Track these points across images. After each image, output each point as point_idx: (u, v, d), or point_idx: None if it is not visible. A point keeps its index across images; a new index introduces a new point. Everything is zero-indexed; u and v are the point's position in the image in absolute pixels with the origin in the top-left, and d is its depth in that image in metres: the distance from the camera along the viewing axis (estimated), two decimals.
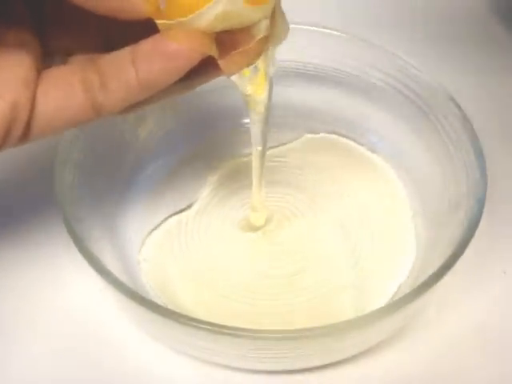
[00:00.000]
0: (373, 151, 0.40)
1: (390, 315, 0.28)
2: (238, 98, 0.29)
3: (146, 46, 0.23)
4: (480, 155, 0.33)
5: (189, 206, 0.38)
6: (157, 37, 0.23)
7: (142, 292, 0.31)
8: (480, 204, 0.31)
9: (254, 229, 0.37)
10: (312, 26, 0.38)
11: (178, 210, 0.37)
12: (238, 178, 0.39)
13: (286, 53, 0.30)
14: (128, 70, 0.23)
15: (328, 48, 0.38)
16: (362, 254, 0.36)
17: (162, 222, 0.37)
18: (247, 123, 0.40)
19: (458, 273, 0.29)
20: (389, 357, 0.32)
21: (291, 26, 0.25)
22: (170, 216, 0.37)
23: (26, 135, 0.24)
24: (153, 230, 0.36)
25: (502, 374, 0.32)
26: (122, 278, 0.29)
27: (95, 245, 0.30)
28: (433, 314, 0.34)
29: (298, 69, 0.39)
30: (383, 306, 0.28)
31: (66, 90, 0.24)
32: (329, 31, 0.38)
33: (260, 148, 0.31)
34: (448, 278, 0.29)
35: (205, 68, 0.24)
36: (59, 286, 0.35)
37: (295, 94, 0.40)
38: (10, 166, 0.39)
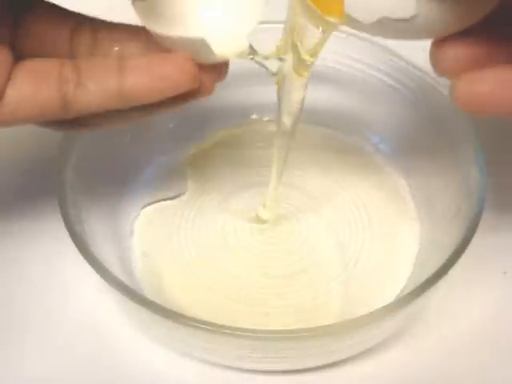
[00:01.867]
0: (375, 152, 0.40)
1: (390, 315, 0.28)
2: (239, 98, 0.29)
3: (141, 60, 0.24)
4: (480, 155, 0.33)
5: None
6: (153, 56, 0.24)
7: (139, 291, 0.31)
8: (480, 204, 0.31)
9: (261, 222, 0.37)
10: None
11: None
12: (238, 174, 0.39)
13: None
14: (111, 75, 0.24)
15: (328, 48, 0.38)
16: (363, 254, 0.36)
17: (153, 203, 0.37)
18: (247, 122, 0.41)
19: (458, 273, 0.29)
20: (389, 357, 0.32)
21: None
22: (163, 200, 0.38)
23: None
24: (144, 206, 0.37)
25: (503, 374, 0.32)
26: (121, 277, 0.29)
27: (94, 243, 0.30)
28: (433, 315, 0.33)
29: None
30: (384, 305, 0.28)
31: (38, 83, 0.24)
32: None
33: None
34: (448, 279, 0.29)
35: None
36: (58, 285, 0.35)
37: None
38: (10, 165, 0.39)
